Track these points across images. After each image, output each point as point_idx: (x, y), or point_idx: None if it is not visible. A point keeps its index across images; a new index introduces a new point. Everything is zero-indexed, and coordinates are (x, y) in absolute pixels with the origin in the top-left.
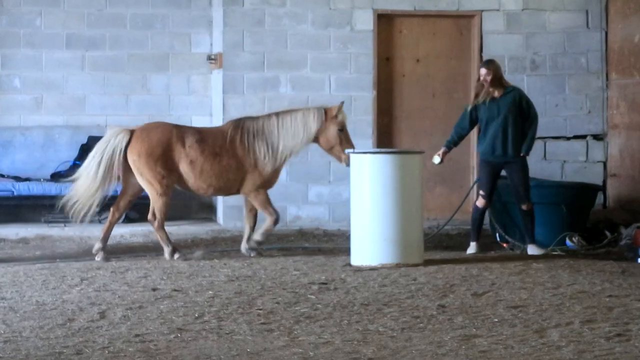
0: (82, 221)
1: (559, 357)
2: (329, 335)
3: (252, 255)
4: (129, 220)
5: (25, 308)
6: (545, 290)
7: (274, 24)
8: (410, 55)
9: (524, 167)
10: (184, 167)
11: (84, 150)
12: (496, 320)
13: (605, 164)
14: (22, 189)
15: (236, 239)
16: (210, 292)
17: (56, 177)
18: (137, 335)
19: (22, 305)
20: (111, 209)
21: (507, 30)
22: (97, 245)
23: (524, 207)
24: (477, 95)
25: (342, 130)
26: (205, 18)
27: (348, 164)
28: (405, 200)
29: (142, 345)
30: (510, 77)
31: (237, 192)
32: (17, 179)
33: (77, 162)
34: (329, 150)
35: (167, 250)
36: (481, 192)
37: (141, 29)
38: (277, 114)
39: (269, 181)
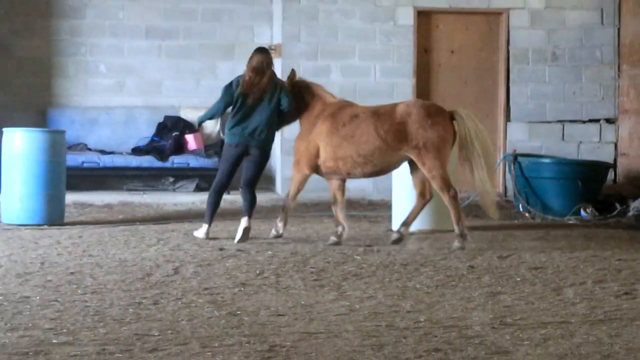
0: None
1: (574, 312)
2: (372, 291)
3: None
4: (199, 189)
5: (110, 264)
6: (562, 254)
7: (326, 19)
8: (446, 47)
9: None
10: None
11: (161, 128)
12: (519, 279)
13: (616, 144)
14: (106, 161)
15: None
16: (269, 252)
17: (136, 151)
18: (206, 289)
19: (107, 261)
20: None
21: (531, 26)
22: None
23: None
24: None
25: None
26: (267, 13)
27: None
28: None
29: (211, 297)
30: (533, 68)
31: None
32: (102, 152)
33: (154, 139)
34: None
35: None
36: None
37: (210, 22)
38: None
39: None
